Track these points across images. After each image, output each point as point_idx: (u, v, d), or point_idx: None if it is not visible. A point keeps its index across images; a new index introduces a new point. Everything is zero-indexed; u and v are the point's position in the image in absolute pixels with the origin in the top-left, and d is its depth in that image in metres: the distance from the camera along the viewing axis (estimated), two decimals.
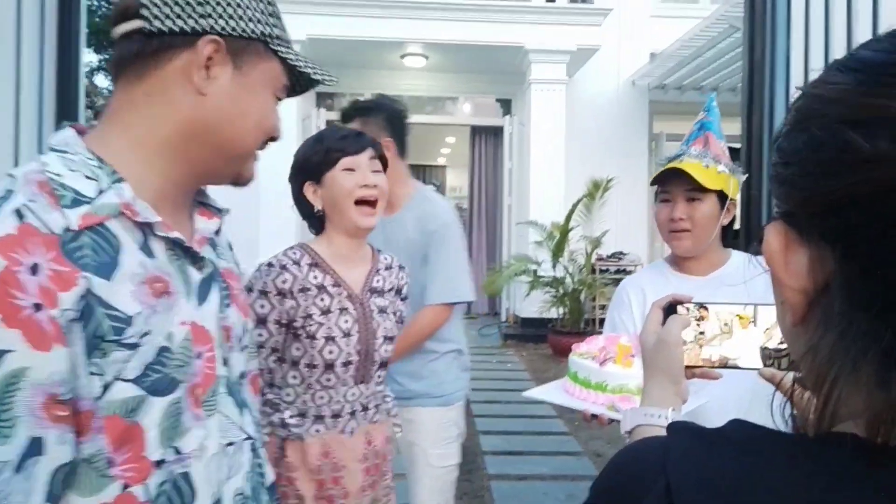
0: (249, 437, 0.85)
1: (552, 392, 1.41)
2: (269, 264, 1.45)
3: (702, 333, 0.79)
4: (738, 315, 0.78)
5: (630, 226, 8.80)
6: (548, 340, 7.18)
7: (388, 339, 1.54)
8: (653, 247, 9.25)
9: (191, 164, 0.80)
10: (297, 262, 1.46)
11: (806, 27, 2.05)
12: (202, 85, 0.76)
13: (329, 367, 1.43)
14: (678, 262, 1.54)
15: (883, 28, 1.67)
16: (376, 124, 2.02)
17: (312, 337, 1.42)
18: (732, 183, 1.47)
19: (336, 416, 1.45)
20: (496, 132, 9.00)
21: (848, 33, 1.76)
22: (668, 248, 1.54)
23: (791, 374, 0.50)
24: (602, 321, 7.70)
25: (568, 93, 7.92)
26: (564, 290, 7.02)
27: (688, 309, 0.80)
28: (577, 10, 7.57)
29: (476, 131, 9.22)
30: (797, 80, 2.17)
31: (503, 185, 8.70)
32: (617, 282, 8.04)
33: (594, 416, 1.27)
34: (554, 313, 7.11)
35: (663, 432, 0.74)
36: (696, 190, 1.44)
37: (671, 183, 1.47)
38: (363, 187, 1.46)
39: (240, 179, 0.87)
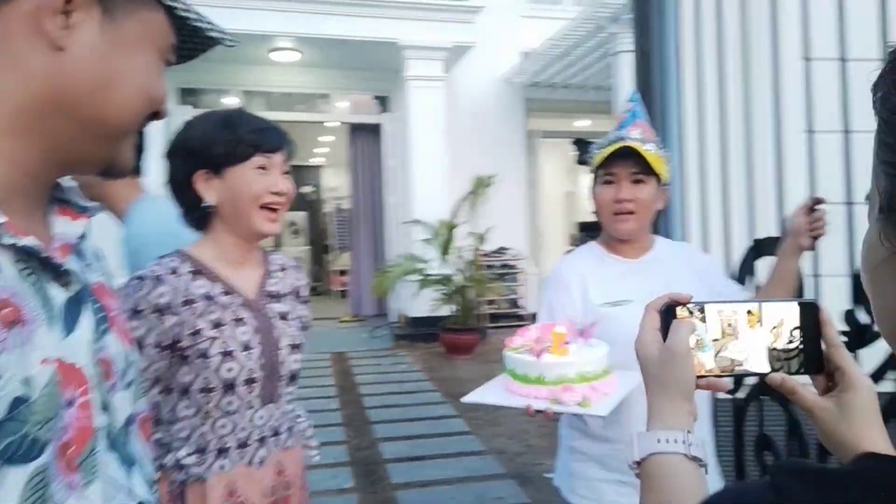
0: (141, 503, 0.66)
1: (492, 393, 1.34)
2: (140, 277, 1.21)
3: (707, 337, 0.69)
4: (748, 311, 0.69)
5: (511, 221, 8.97)
6: (440, 339, 7.13)
7: (295, 347, 1.35)
8: (533, 241, 9.50)
9: (47, 146, 0.59)
10: (174, 272, 1.23)
11: (696, 20, 2.08)
12: (59, 36, 0.56)
13: (229, 387, 1.22)
14: (611, 244, 1.53)
15: (783, 17, 1.69)
16: None
17: (205, 355, 1.20)
18: (666, 168, 1.48)
19: (243, 445, 1.24)
20: (375, 130, 8.82)
21: (743, 25, 1.81)
22: (609, 227, 1.50)
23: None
24: (493, 316, 7.74)
25: (446, 90, 7.91)
26: (454, 287, 6.99)
27: (689, 311, 0.70)
28: (450, 7, 7.57)
29: (354, 129, 8.98)
30: (688, 70, 2.21)
31: (385, 183, 8.55)
32: (502, 276, 8.17)
33: (539, 412, 1.22)
34: (445, 311, 7.05)
35: (682, 460, 0.64)
36: (640, 172, 1.44)
37: (616, 164, 1.45)
38: (273, 193, 1.28)
39: (113, 167, 0.67)
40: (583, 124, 9.81)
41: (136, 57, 0.62)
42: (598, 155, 1.47)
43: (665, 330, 0.70)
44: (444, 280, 6.96)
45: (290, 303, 1.39)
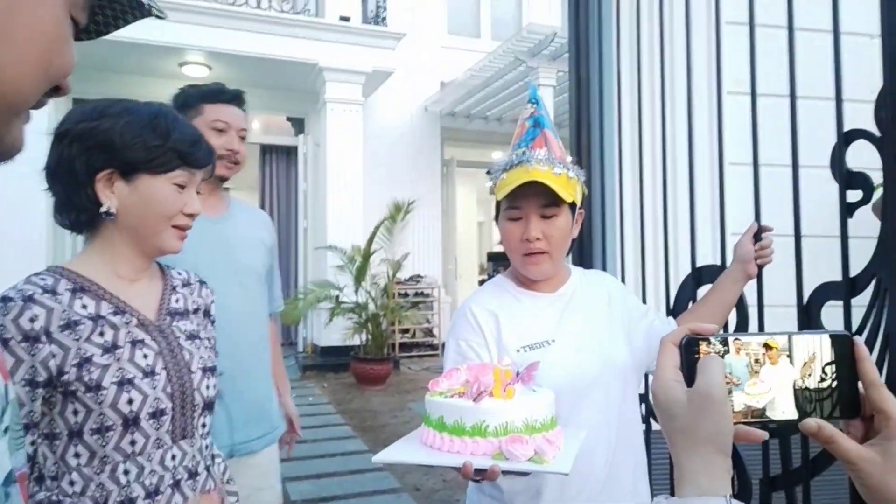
0: None
1: (410, 450, 1.08)
2: (6, 298, 0.97)
3: (735, 377, 0.58)
4: (765, 344, 0.58)
5: (426, 249, 8.90)
6: (350, 368, 6.86)
7: (209, 371, 1.15)
8: (446, 269, 9.45)
9: None
10: (50, 291, 1.00)
11: (639, 45, 2.07)
12: None
13: (131, 423, 1.00)
14: (523, 279, 1.35)
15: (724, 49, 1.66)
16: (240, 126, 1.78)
17: (97, 387, 0.98)
18: (579, 189, 1.31)
19: (153, 493, 1.02)
20: (289, 152, 8.52)
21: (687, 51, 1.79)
22: (519, 268, 1.32)
23: None
24: (406, 345, 7.54)
25: (364, 114, 7.78)
26: (367, 315, 6.77)
27: (713, 345, 0.58)
28: (373, 33, 7.49)
29: (266, 150, 8.64)
30: (625, 98, 2.19)
31: (297, 207, 8.24)
32: (416, 305, 8.02)
33: (479, 472, 0.97)
34: (357, 340, 6.81)
35: None
36: (551, 205, 1.26)
37: (522, 198, 1.25)
38: (187, 215, 1.11)
39: (1, 147, 0.48)
40: (499, 155, 9.94)
41: (38, 8, 0.44)
42: (501, 187, 1.26)
43: (687, 369, 0.58)
44: (358, 308, 6.73)
45: (199, 321, 1.20)
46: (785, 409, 0.58)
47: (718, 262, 1.69)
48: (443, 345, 8.91)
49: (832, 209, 1.39)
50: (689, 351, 0.58)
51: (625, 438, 1.32)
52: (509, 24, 9.38)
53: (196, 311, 1.21)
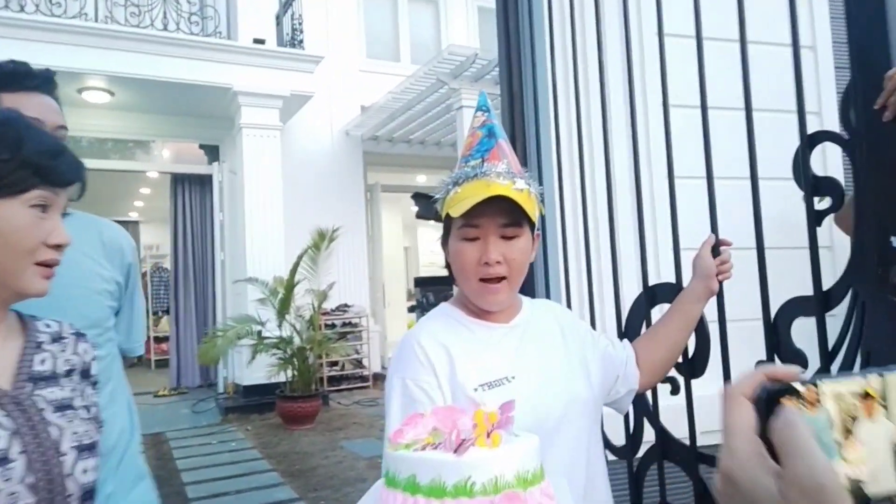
0: None
1: None
2: None
3: (830, 439, 0.41)
4: (864, 392, 0.42)
5: (352, 277, 8.62)
6: (276, 408, 6.46)
7: (86, 450, 0.90)
8: (374, 297, 9.19)
9: None
10: None
11: (573, 54, 1.96)
12: None
13: None
14: (473, 308, 1.17)
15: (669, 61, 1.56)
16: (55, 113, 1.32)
17: None
18: (538, 208, 1.16)
19: None
20: (203, 181, 8.09)
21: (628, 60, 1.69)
22: (475, 297, 1.14)
23: None
24: (335, 378, 7.16)
25: (283, 140, 7.49)
26: (292, 350, 6.41)
27: (800, 396, 0.41)
28: (289, 56, 7.24)
29: (178, 180, 8.17)
30: (564, 106, 2.08)
31: (213, 239, 7.80)
32: (344, 336, 7.71)
33: None
34: (282, 377, 6.42)
35: None
36: (513, 224, 1.10)
37: (480, 215, 1.08)
38: (52, 247, 0.89)
39: None
40: (424, 179, 9.84)
41: None
42: (455, 201, 1.08)
43: (766, 432, 0.41)
44: (282, 343, 6.36)
45: (72, 386, 0.95)
46: (886, 478, 0.42)
47: (673, 280, 1.57)
48: (374, 375, 8.63)
49: (782, 222, 1.30)
50: (769, 405, 0.41)
51: (594, 481, 1.18)
52: (429, 48, 9.35)
53: (70, 372, 0.96)
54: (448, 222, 1.15)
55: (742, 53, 1.32)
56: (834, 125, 2.51)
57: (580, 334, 1.28)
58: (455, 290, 1.24)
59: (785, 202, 1.44)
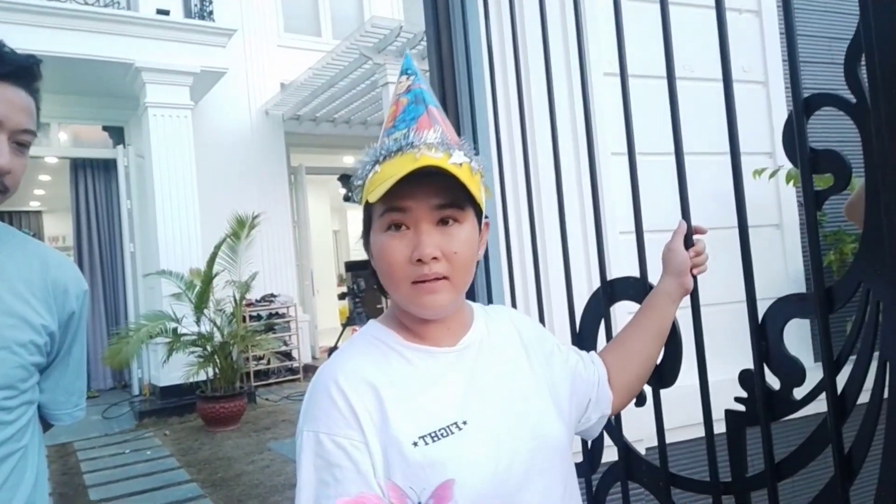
0: None
1: None
2: None
3: None
4: None
5: (278, 265, 8.18)
6: (196, 409, 6.02)
7: None
8: (302, 285, 8.78)
9: None
10: None
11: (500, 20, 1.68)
12: None
13: None
14: (410, 326, 0.89)
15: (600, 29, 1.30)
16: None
17: None
18: (483, 189, 0.89)
19: None
20: (107, 166, 7.41)
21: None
22: (407, 304, 0.86)
23: None
24: (259, 374, 6.71)
25: (196, 120, 6.93)
26: (213, 347, 5.96)
27: None
28: (198, 28, 6.66)
29: (79, 165, 7.45)
30: (501, 74, 1.81)
31: (122, 229, 7.18)
32: (270, 328, 7.28)
33: None
34: (203, 376, 5.97)
35: None
36: (451, 205, 0.83)
37: (408, 195, 0.81)
38: None
39: None
40: (351, 160, 9.42)
41: None
42: (374, 184, 0.82)
43: None
44: (201, 339, 5.90)
45: None
46: None
47: (636, 273, 1.34)
48: (304, 367, 8.24)
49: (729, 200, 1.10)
50: None
51: None
52: (351, 20, 8.90)
53: None
54: (368, 212, 0.87)
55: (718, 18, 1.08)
56: (781, 109, 2.38)
57: (546, 351, 1.01)
58: (388, 304, 0.96)
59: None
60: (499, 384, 0.90)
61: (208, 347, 5.95)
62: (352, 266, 9.57)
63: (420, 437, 0.80)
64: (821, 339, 1.01)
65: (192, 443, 5.49)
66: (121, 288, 7.38)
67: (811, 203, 1.01)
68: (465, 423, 0.83)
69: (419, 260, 0.81)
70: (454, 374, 0.87)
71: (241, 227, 6.49)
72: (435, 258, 0.82)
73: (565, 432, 0.94)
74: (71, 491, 4.43)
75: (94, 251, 7.44)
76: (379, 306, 9.09)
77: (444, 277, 0.83)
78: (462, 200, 0.83)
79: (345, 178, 8.57)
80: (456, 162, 0.81)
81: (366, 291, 8.98)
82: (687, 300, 1.20)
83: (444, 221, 0.83)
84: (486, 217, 0.93)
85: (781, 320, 1.10)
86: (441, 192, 0.82)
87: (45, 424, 1.21)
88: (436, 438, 0.80)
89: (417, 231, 0.82)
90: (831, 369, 1.00)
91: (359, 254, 11.74)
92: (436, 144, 0.82)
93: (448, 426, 0.82)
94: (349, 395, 0.81)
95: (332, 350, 8.55)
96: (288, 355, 8.05)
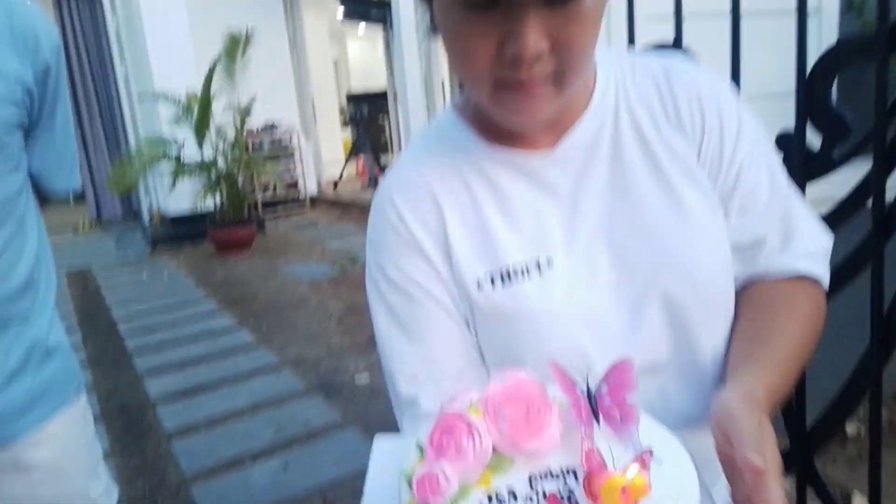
0: None
1: None
2: None
3: None
4: None
5: (277, 91, 7.87)
6: (208, 236, 6.11)
7: None
8: (304, 113, 8.52)
9: None
10: None
11: None
12: None
13: None
14: (493, 120, 0.63)
15: None
16: None
17: None
18: None
19: None
20: None
21: None
22: (489, 109, 0.60)
23: None
24: (266, 204, 6.70)
25: None
26: (218, 173, 5.90)
27: None
28: None
29: None
30: None
31: (111, 50, 6.83)
32: (275, 157, 7.18)
33: None
34: (211, 203, 5.98)
35: None
36: None
37: None
38: None
39: None
40: None
41: None
42: None
43: None
44: (205, 166, 5.83)
45: None
46: None
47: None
48: (311, 199, 8.24)
49: None
50: None
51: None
52: None
53: None
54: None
55: None
56: None
57: (720, 144, 0.64)
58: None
59: None
60: (627, 197, 0.64)
61: (213, 174, 5.89)
62: (353, 98, 9.24)
63: (488, 275, 0.62)
64: (876, 84, 0.90)
65: (206, 267, 5.63)
66: (118, 113, 7.19)
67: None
68: (550, 259, 0.63)
69: (515, 58, 0.53)
70: (545, 188, 0.65)
71: (236, 46, 6.14)
72: (538, 57, 0.53)
73: (731, 285, 0.66)
74: (94, 310, 4.62)
75: (84, 75, 7.15)
76: (383, 140, 8.89)
77: (552, 79, 0.55)
78: None
79: None
80: None
81: (369, 122, 8.75)
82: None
83: (550, 2, 0.51)
84: None
85: (833, 70, 0.98)
86: None
87: (42, 200, 1.16)
88: (509, 280, 0.62)
89: (517, 16, 0.51)
90: (883, 117, 0.90)
91: (360, 86, 11.21)
92: None
93: (526, 263, 0.62)
94: (406, 216, 0.65)
95: (336, 184, 8.51)
96: (293, 185, 8.02)
